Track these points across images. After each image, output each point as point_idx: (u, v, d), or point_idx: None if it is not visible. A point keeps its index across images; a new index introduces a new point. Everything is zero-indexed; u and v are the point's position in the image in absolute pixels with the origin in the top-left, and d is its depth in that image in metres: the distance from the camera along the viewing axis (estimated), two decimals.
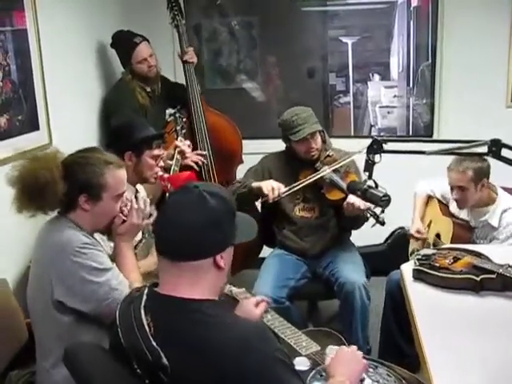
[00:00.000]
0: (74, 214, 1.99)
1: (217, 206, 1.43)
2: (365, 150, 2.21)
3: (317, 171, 2.98)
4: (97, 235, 2.11)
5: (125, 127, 2.68)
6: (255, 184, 2.98)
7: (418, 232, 3.23)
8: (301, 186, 2.92)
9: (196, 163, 3.27)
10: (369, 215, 2.71)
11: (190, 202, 1.43)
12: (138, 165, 2.57)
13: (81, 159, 1.99)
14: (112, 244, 2.18)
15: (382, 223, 2.70)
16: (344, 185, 2.84)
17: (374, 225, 2.69)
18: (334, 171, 2.93)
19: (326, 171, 2.92)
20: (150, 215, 2.23)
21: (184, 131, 3.30)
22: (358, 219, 2.90)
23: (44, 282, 1.91)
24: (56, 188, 1.89)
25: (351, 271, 2.97)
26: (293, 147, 3.06)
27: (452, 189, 2.95)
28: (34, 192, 1.87)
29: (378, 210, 2.66)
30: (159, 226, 1.48)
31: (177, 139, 3.20)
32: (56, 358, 1.89)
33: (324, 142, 3.10)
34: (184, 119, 3.36)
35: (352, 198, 2.74)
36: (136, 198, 2.18)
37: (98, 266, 1.90)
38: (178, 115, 3.33)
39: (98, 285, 1.88)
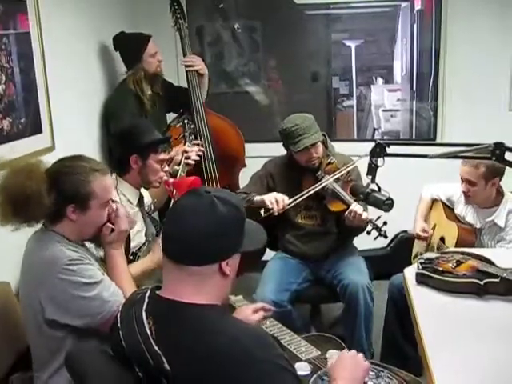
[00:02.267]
0: (61, 225, 1.94)
1: (227, 213, 1.41)
2: (358, 158, 2.18)
3: (318, 180, 2.95)
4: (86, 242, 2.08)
5: (131, 130, 2.65)
6: (258, 198, 2.94)
7: (424, 231, 3.19)
8: (304, 196, 2.88)
9: (199, 156, 3.18)
10: (370, 228, 2.69)
11: (200, 207, 1.41)
12: (142, 168, 2.56)
13: (66, 168, 1.93)
14: (102, 253, 2.16)
15: (385, 236, 2.69)
16: (346, 195, 2.83)
17: (376, 237, 2.69)
18: (335, 180, 2.90)
19: (327, 181, 2.89)
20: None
21: (192, 137, 3.24)
22: (357, 229, 2.89)
23: (33, 302, 1.88)
24: (41, 200, 1.81)
25: (354, 273, 2.97)
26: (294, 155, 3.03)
27: (462, 181, 2.93)
28: (18, 204, 1.79)
29: (379, 223, 2.65)
30: (166, 228, 1.46)
31: (185, 145, 3.16)
32: (53, 369, 1.90)
33: (326, 147, 3.08)
34: (192, 125, 3.30)
35: (355, 207, 2.74)
36: (113, 201, 2.10)
37: (88, 280, 1.86)
38: (186, 121, 3.26)
39: (90, 299, 1.85)
